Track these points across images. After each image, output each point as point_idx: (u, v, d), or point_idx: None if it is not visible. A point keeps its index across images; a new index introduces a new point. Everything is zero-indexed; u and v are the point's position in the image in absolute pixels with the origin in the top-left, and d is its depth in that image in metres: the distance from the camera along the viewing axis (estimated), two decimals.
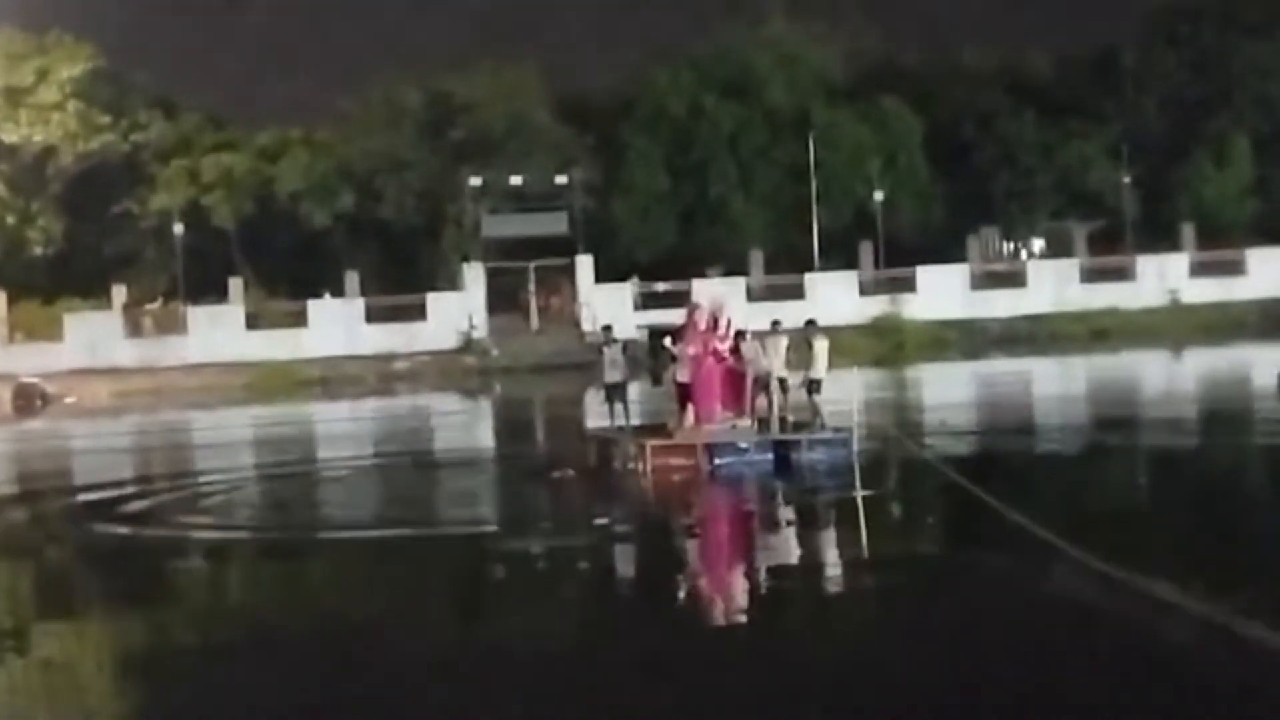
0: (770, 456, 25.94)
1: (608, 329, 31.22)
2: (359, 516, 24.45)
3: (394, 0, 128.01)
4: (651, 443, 26.44)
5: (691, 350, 26.75)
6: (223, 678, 13.79)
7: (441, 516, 24.34)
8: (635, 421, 29.08)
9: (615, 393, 28.82)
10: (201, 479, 30.00)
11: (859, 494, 22.61)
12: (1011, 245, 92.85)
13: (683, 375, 26.91)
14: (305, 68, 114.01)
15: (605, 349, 29.75)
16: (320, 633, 15.55)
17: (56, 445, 45.81)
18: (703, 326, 26.96)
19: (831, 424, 27.12)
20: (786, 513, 22.60)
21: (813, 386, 27.18)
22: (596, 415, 33.43)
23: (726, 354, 26.77)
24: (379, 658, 14.03)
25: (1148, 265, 79.00)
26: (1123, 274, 79.18)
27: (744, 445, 26.10)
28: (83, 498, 27.37)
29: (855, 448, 26.03)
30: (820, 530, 20.80)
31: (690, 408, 26.77)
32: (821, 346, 27.50)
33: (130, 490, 28.33)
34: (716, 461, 25.85)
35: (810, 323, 28.28)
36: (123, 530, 22.80)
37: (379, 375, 69.36)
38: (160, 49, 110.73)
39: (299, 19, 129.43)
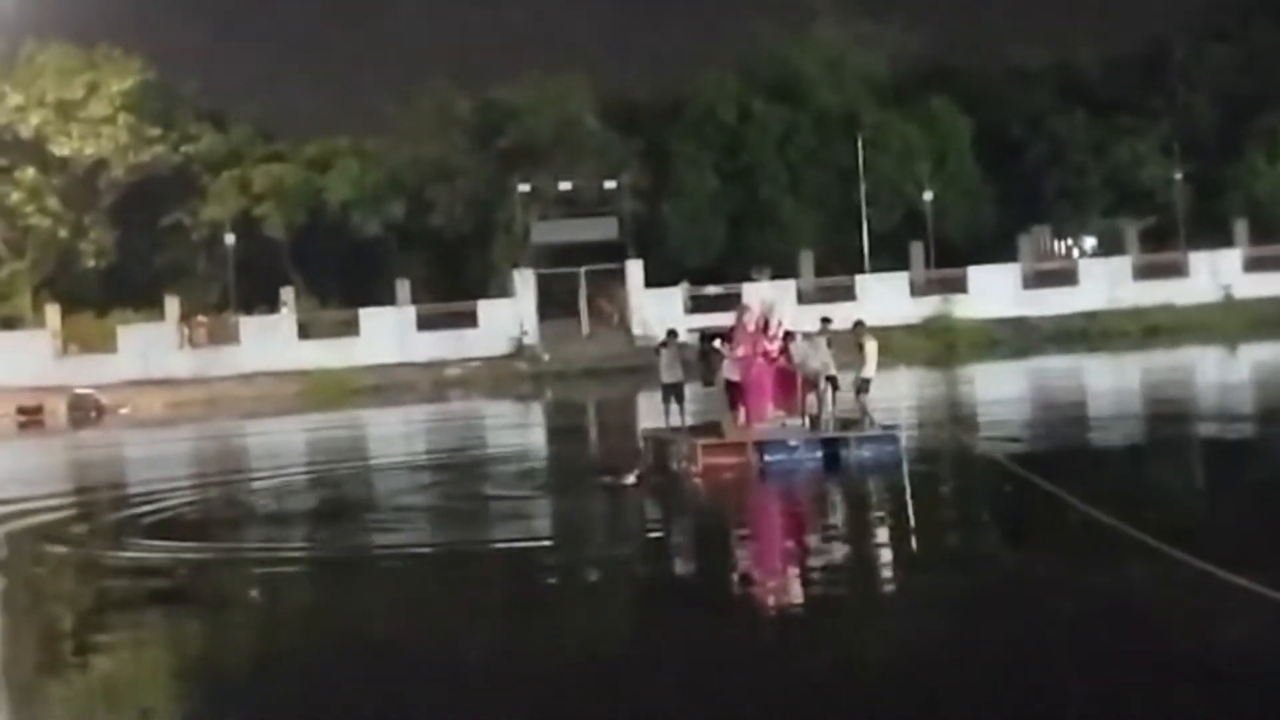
0: (819, 454, 26.10)
1: (672, 333, 31.19)
2: (437, 521, 24.56)
3: (440, 8, 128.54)
4: (702, 442, 26.65)
5: (741, 351, 27.01)
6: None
7: (504, 521, 24.30)
8: (689, 421, 29.31)
9: (672, 392, 29.07)
10: (265, 487, 30.19)
11: (906, 490, 22.61)
12: (1063, 244, 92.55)
13: (733, 375, 27.13)
14: (351, 78, 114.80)
15: (663, 350, 29.96)
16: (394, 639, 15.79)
17: (112, 455, 46.05)
18: (752, 328, 27.24)
19: (881, 422, 27.35)
20: (830, 508, 22.84)
21: (862, 386, 27.42)
22: (650, 417, 33.53)
23: (776, 354, 27.00)
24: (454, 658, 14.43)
25: (1200, 262, 78.64)
26: (1175, 270, 78.75)
27: (793, 443, 26.28)
28: (140, 509, 27.42)
29: (904, 445, 26.11)
30: (864, 527, 20.83)
31: (742, 407, 27.01)
32: (871, 347, 27.77)
33: (188, 500, 28.54)
34: (766, 459, 26.05)
35: (859, 324, 28.55)
36: (174, 544, 22.76)
37: (432, 382, 69.55)
38: (208, 61, 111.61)
39: (344, 29, 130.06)
